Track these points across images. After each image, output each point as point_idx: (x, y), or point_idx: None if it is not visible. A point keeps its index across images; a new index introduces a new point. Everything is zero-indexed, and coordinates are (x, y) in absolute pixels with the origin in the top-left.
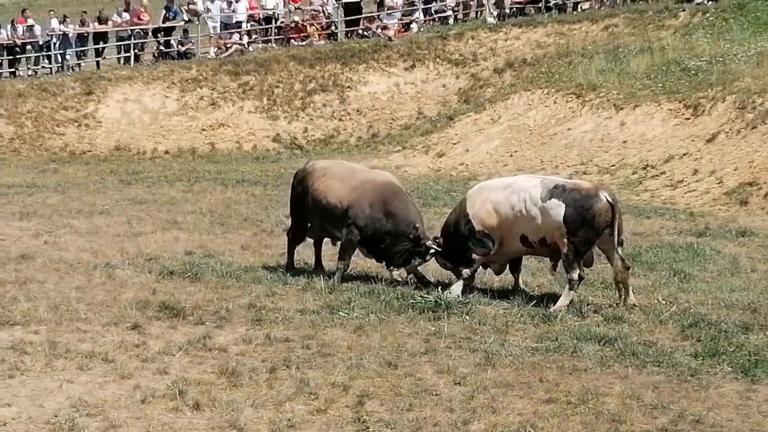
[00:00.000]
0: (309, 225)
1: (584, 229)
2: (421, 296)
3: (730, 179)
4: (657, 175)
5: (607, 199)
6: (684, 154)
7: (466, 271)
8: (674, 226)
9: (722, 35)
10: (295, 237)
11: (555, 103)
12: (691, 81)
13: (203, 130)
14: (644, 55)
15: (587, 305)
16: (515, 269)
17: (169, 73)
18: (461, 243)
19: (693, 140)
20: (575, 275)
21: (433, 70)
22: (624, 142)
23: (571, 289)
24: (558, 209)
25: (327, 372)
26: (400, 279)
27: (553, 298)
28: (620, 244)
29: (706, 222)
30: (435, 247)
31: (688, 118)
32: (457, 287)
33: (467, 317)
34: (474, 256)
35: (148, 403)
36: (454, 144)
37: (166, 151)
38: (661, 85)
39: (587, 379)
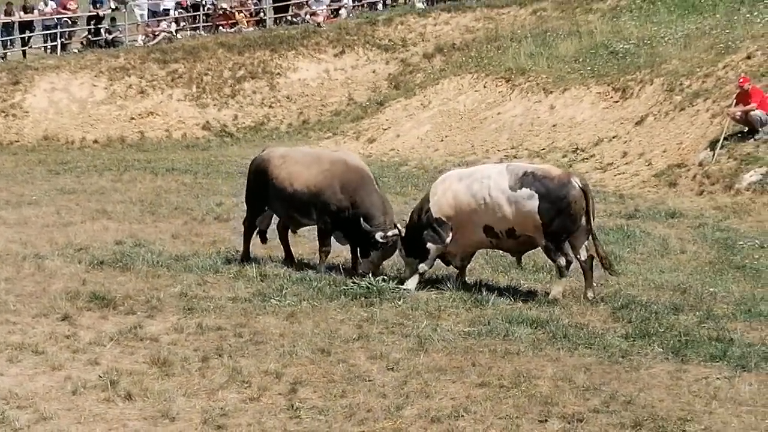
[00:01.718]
0: (274, 215)
1: (560, 219)
2: (353, 282)
3: (659, 161)
4: (587, 158)
5: (579, 186)
6: (613, 137)
7: (422, 266)
8: (604, 208)
9: (649, 18)
10: (251, 227)
11: (485, 87)
12: (620, 64)
13: (132, 118)
14: (572, 39)
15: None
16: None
17: (96, 61)
18: (419, 233)
19: (622, 123)
20: (562, 261)
21: (362, 55)
22: (553, 125)
23: (561, 276)
24: (531, 200)
25: (259, 360)
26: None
27: (485, 284)
28: (590, 232)
29: (635, 204)
30: (380, 239)
31: (617, 101)
32: (412, 282)
33: (400, 303)
34: (429, 245)
35: (79, 395)
36: (385, 129)
37: (95, 141)
38: (589, 68)
39: (519, 362)
